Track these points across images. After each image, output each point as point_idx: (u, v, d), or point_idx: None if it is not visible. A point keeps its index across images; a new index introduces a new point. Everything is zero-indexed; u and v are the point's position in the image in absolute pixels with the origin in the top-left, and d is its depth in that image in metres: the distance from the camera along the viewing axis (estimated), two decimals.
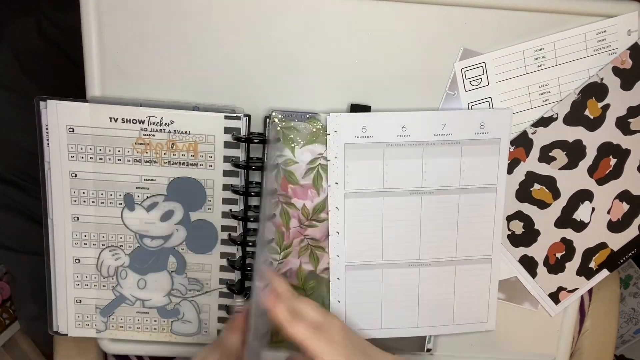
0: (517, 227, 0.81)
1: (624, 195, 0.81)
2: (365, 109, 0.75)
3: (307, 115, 0.74)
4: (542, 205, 0.80)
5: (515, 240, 0.81)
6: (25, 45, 1.05)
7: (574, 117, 0.77)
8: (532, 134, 0.77)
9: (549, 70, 0.76)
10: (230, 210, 0.76)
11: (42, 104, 0.73)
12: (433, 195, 0.78)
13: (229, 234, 0.77)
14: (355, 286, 0.79)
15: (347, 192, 0.76)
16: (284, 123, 0.74)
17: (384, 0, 0.72)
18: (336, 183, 0.76)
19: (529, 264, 0.82)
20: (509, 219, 0.81)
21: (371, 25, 0.73)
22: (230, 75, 0.74)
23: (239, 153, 0.74)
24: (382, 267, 0.79)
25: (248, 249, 0.77)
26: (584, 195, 0.80)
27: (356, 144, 0.75)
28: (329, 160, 0.75)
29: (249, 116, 0.73)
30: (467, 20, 0.73)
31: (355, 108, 0.75)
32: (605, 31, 0.75)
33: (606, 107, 0.77)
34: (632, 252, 0.83)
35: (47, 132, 0.73)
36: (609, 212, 0.81)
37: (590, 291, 0.92)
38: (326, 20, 0.73)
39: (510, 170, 0.78)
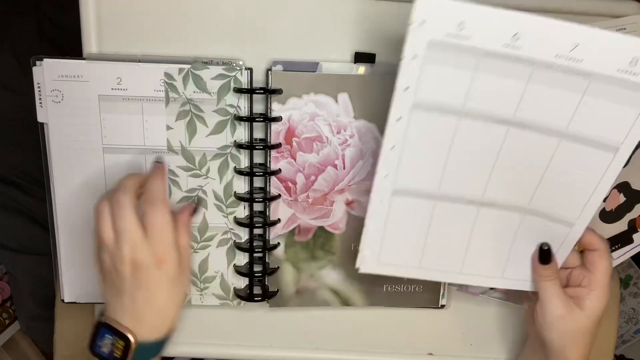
0: None
1: (623, 187, 0.78)
2: (370, 57, 0.71)
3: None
4: None
5: None
6: (25, 45, 1.05)
7: None
8: None
9: None
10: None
11: (37, 62, 0.69)
12: (524, 131, 0.60)
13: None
14: (398, 214, 0.65)
15: (416, 102, 0.58)
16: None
17: (384, 0, 0.70)
18: (406, 88, 0.57)
19: None
20: None
21: (369, 26, 0.71)
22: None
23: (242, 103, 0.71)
24: (435, 199, 0.64)
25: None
26: None
27: (445, 43, 0.55)
28: (403, 58, 0.56)
29: (250, 69, 0.70)
30: None
31: (360, 57, 0.71)
32: (625, 28, 0.72)
33: None
34: (616, 246, 0.80)
35: (40, 91, 0.70)
36: (604, 201, 0.78)
37: None
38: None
39: None
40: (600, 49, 0.55)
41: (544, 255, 0.67)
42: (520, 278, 0.70)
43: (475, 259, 0.69)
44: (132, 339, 0.61)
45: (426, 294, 0.78)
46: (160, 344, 0.63)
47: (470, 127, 0.60)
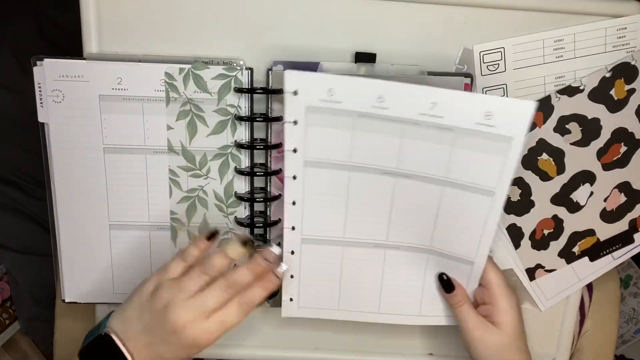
0: (514, 193, 0.76)
1: (623, 187, 0.78)
2: (371, 57, 0.71)
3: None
4: (545, 177, 0.76)
5: (508, 206, 0.77)
6: (25, 45, 1.05)
7: (599, 93, 0.73)
8: (556, 100, 0.73)
9: (566, 62, 0.73)
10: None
11: (38, 62, 0.69)
12: (409, 180, 0.66)
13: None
14: (311, 262, 0.72)
15: (306, 161, 0.66)
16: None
17: (384, 0, 0.70)
18: (294, 150, 0.65)
19: (515, 233, 0.78)
20: None
21: (370, 26, 0.71)
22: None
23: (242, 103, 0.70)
24: (343, 245, 0.71)
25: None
26: (586, 177, 0.76)
27: (320, 108, 0.63)
28: (285, 123, 0.65)
29: (251, 69, 0.69)
30: (467, 20, 0.71)
31: (360, 57, 0.71)
32: (625, 28, 0.72)
33: (631, 92, 0.74)
34: (617, 246, 0.80)
35: (40, 92, 0.70)
36: (605, 200, 0.78)
37: (590, 291, 0.89)
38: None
39: None
40: (456, 106, 0.61)
41: (445, 284, 0.72)
42: (436, 314, 0.75)
43: (391, 298, 0.74)
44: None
45: None
46: None
47: (361, 178, 0.67)
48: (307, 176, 0.67)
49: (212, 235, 0.68)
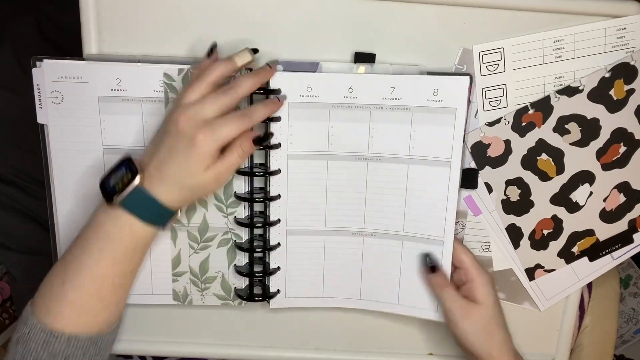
0: (514, 193, 0.76)
1: (623, 187, 0.77)
2: (370, 57, 0.71)
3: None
4: (544, 177, 0.76)
5: (507, 206, 0.77)
6: (25, 45, 1.05)
7: (599, 94, 0.73)
8: (556, 100, 0.73)
9: (566, 62, 0.73)
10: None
11: (37, 63, 0.69)
12: (380, 163, 0.72)
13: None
14: (296, 252, 0.75)
15: (290, 154, 0.71)
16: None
17: (384, 0, 0.70)
18: (279, 144, 0.71)
19: (514, 233, 0.78)
20: (508, 183, 0.76)
21: (369, 26, 0.71)
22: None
23: None
24: (325, 234, 0.75)
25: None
26: (585, 177, 0.76)
27: (301, 103, 0.70)
28: (270, 121, 0.70)
29: (250, 69, 0.69)
30: (466, 20, 0.71)
31: (360, 57, 0.71)
32: (625, 28, 0.72)
33: (631, 92, 0.74)
34: (616, 246, 0.79)
35: (40, 93, 0.70)
36: (604, 200, 0.77)
37: (590, 288, 0.90)
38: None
39: (522, 134, 0.74)
40: (410, 87, 0.69)
41: (428, 263, 0.74)
42: (415, 305, 0.76)
43: (370, 286, 0.76)
44: (138, 178, 0.62)
45: None
46: (157, 207, 0.64)
47: (338, 166, 0.72)
48: (290, 169, 0.72)
49: (211, 51, 0.68)
